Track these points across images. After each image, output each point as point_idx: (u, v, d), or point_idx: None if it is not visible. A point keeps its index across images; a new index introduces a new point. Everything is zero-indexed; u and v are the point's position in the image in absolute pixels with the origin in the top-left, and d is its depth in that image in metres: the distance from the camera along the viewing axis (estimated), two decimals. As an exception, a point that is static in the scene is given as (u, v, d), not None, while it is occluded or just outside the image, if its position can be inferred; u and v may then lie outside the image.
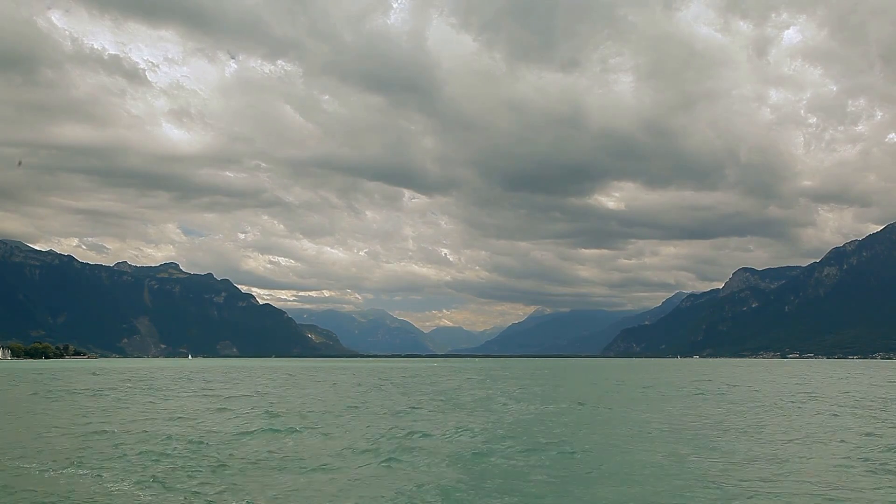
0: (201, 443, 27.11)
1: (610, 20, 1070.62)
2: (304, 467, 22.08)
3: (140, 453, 24.47)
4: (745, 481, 19.80)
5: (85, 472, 21.17)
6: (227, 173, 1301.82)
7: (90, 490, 18.79)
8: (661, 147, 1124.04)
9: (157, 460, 23.24)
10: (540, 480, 20.03)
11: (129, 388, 70.93)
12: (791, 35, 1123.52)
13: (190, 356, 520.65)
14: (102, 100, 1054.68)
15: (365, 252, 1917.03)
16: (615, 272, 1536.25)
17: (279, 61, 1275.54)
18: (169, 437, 28.64)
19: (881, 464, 22.46)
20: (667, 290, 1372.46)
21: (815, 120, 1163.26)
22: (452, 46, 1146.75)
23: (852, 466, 22.18)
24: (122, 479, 19.99)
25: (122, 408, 44.97)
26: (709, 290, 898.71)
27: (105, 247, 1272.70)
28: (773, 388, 71.19)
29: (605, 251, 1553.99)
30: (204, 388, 68.98)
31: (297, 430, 31.03)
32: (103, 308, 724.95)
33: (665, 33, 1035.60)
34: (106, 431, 30.83)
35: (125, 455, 24.12)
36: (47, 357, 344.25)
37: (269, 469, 21.88)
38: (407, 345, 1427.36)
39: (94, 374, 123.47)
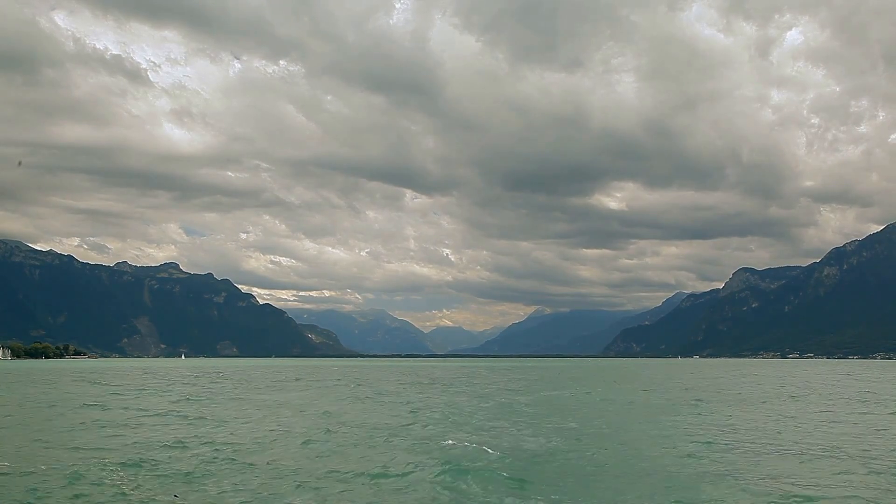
0: None
1: (612, 21, 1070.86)
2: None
3: None
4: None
5: None
6: (229, 173, 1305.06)
7: None
8: (663, 147, 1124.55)
9: None
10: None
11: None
12: (793, 36, 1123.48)
13: (183, 356, 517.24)
14: (103, 100, 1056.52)
15: (366, 252, 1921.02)
16: (616, 272, 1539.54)
17: (282, 61, 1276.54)
18: None
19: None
20: (667, 290, 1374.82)
21: (817, 120, 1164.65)
22: (455, 47, 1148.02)
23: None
24: None
25: None
26: (709, 290, 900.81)
27: (106, 247, 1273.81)
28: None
29: (606, 251, 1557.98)
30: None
31: None
32: (103, 308, 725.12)
33: (667, 34, 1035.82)
34: None
35: None
36: (47, 357, 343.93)
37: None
38: (407, 345, 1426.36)
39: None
